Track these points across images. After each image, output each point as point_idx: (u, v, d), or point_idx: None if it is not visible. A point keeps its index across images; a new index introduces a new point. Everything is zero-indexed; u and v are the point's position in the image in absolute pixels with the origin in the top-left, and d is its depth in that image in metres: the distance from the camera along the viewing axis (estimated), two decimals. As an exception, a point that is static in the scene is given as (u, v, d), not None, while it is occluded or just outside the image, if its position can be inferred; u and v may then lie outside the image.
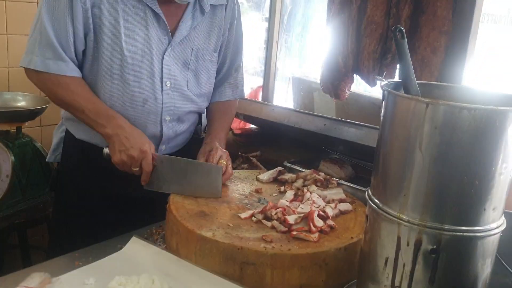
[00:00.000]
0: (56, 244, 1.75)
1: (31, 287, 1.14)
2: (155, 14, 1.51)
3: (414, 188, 0.96)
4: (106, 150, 1.49)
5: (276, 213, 1.35)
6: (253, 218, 1.36)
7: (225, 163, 1.54)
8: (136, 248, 1.37)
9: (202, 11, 1.61)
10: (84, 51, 1.53)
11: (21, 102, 2.12)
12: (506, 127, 0.90)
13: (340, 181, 1.63)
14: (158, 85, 1.55)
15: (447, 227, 0.94)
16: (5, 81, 2.32)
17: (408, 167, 0.96)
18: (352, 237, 1.30)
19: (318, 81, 2.45)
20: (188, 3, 1.56)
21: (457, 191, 0.93)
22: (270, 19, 2.55)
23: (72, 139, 1.66)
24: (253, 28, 3.40)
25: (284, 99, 3.01)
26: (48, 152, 1.76)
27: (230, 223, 1.32)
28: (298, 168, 1.79)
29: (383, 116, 1.05)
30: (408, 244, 0.98)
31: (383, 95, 1.05)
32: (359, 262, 1.18)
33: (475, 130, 0.90)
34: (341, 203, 1.48)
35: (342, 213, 1.44)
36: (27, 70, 1.51)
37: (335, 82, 1.90)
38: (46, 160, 1.75)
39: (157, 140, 1.63)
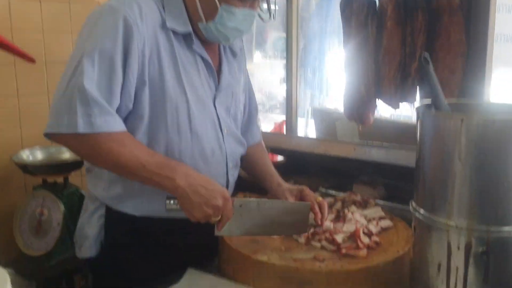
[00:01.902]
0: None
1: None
2: (205, 61, 1.48)
3: (458, 195, 1.05)
4: (170, 202, 1.31)
5: (324, 233, 1.44)
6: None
7: (320, 199, 1.55)
8: (194, 279, 1.45)
9: (234, 54, 1.66)
10: (134, 112, 1.37)
11: (65, 154, 2.26)
12: (536, 133, 1.00)
13: (377, 201, 1.72)
14: (219, 133, 1.50)
15: (493, 229, 1.03)
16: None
17: (450, 177, 1.05)
18: (398, 251, 1.38)
19: (339, 111, 2.58)
20: (218, 46, 1.56)
21: (498, 195, 1.02)
22: (288, 57, 2.70)
23: (122, 221, 1.46)
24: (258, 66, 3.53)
25: (304, 131, 3.13)
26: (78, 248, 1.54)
27: (282, 247, 1.41)
28: (333, 192, 1.88)
29: (419, 134, 1.15)
30: (459, 249, 1.06)
31: (418, 115, 1.16)
32: (410, 273, 1.26)
33: (508, 138, 1.00)
34: (381, 220, 1.56)
35: (383, 229, 1.52)
36: (60, 137, 1.28)
37: (360, 109, 2.01)
38: (84, 256, 1.51)
39: None
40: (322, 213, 1.51)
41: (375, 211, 1.62)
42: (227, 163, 1.55)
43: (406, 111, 2.35)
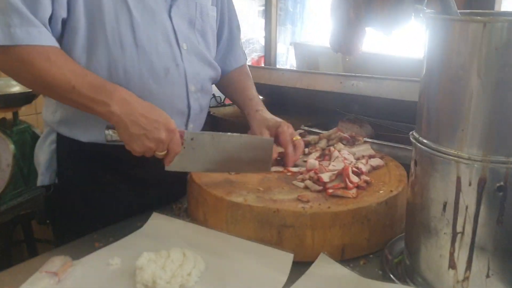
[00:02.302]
0: (60, 235, 1.47)
1: (52, 272, 1.04)
2: None
3: (474, 120, 0.86)
4: (109, 133, 1.13)
5: (308, 172, 1.26)
6: (298, 183, 1.25)
7: (299, 138, 1.39)
8: (159, 224, 1.27)
9: None
10: (68, 24, 1.18)
11: (15, 87, 1.99)
12: None
13: (366, 139, 1.54)
14: (175, 48, 1.30)
15: (514, 159, 0.85)
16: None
17: (465, 97, 0.86)
18: (391, 191, 1.21)
19: (323, 46, 2.36)
20: None
21: (523, 118, 0.84)
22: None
23: (72, 147, 1.31)
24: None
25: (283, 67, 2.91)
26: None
27: (260, 187, 1.23)
28: (317, 130, 1.69)
29: (427, 47, 0.95)
30: (470, 184, 0.89)
31: (426, 24, 0.95)
32: (406, 215, 1.09)
33: (542, 47, 0.81)
34: (372, 159, 1.39)
35: (374, 168, 1.35)
36: None
37: (347, 38, 1.79)
38: (38, 184, 1.37)
39: (185, 117, 1.38)
40: (295, 154, 1.35)
41: (364, 149, 1.44)
42: (187, 85, 1.35)
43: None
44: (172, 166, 1.19)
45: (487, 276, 0.91)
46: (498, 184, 0.86)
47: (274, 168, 1.33)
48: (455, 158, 0.89)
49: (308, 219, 1.10)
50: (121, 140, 1.13)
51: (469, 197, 0.89)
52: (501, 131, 0.85)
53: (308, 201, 1.14)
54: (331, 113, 1.91)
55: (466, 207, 0.90)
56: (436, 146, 0.93)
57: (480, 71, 0.84)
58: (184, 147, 1.18)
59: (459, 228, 0.92)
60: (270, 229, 1.12)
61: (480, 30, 0.82)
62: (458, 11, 0.95)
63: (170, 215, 1.35)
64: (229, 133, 1.24)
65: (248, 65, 1.76)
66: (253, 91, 1.54)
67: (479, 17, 0.83)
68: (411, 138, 1.03)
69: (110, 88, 1.13)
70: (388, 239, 1.19)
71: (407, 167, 1.40)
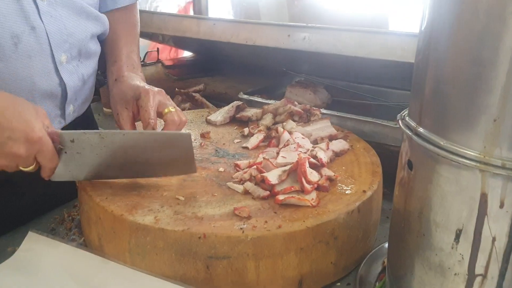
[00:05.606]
0: None
1: None
2: None
3: (515, 105, 0.52)
4: None
5: (248, 169, 0.89)
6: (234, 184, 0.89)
7: (172, 109, 0.95)
8: (37, 250, 0.88)
9: None
10: None
11: None
12: None
13: (324, 111, 1.18)
14: (30, 4, 0.88)
15: None
16: None
17: (501, 70, 0.52)
18: (364, 191, 0.87)
19: (264, -12, 1.96)
20: None
21: None
22: None
23: None
24: None
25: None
26: None
27: (180, 196, 0.85)
28: (260, 100, 1.32)
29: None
30: (502, 206, 0.56)
31: None
32: (392, 230, 0.76)
33: None
34: (333, 141, 1.04)
35: (337, 155, 1.01)
36: None
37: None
38: None
39: (59, 99, 0.99)
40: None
41: (322, 127, 1.09)
42: (53, 54, 0.92)
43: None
44: (56, 176, 0.84)
45: (516, 333, 0.60)
46: (546, 206, 0.54)
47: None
48: (481, 165, 0.55)
49: (250, 246, 0.74)
50: None
51: (498, 225, 0.57)
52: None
53: (249, 217, 0.78)
54: (277, 75, 1.54)
55: (493, 239, 0.57)
56: (446, 143, 0.59)
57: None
58: (66, 152, 0.82)
59: (479, 269, 0.59)
60: (194, 263, 0.76)
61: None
62: None
63: (59, 230, 0.96)
64: (124, 130, 0.85)
65: (173, 13, 1.33)
66: (121, 45, 1.09)
67: None
68: (401, 125, 0.68)
69: None
70: (360, 257, 0.87)
71: (377, 148, 1.08)
